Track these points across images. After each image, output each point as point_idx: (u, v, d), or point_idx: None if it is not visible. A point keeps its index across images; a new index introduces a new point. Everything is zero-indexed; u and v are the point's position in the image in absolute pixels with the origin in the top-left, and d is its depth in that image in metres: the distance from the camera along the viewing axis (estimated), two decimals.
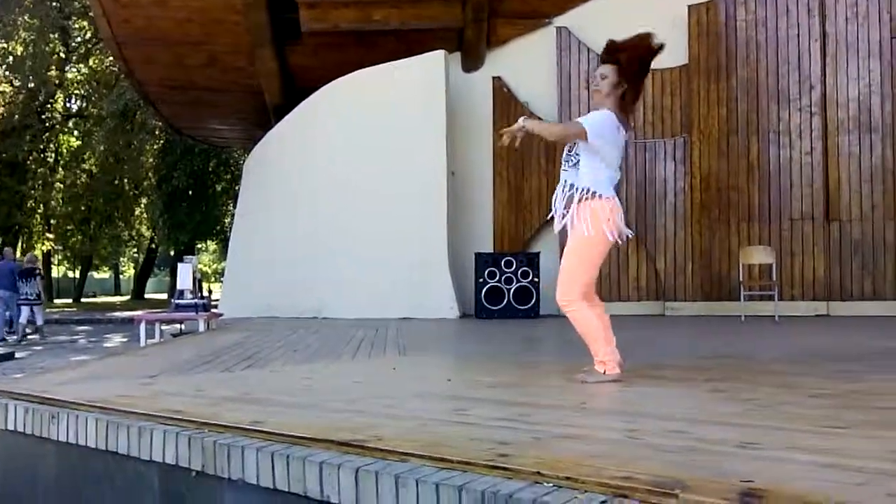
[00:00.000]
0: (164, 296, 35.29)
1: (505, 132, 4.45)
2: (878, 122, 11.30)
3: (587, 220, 4.26)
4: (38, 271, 15.73)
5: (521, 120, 4.40)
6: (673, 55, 11.88)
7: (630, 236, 4.53)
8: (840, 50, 11.47)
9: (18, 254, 23.84)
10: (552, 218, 4.52)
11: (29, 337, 14.85)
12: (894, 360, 5.54)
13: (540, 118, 12.26)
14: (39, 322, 15.11)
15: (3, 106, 28.99)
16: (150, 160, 31.02)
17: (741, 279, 10.71)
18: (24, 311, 14.85)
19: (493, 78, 12.62)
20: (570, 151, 4.44)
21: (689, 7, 11.81)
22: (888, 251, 11.15)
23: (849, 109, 11.40)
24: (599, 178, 4.30)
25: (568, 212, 4.36)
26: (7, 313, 15.13)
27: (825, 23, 11.52)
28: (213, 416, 3.29)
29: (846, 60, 11.44)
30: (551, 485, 2.20)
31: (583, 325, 4.37)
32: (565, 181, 4.39)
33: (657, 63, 12.07)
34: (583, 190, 4.29)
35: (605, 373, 4.32)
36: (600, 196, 4.28)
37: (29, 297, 14.92)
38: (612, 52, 4.48)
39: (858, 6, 11.44)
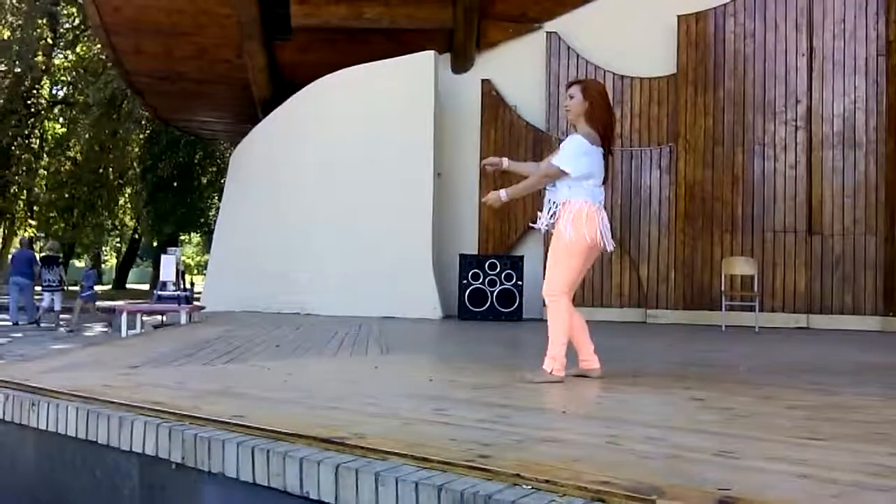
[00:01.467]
0: (146, 286, 35.09)
1: (486, 163, 4.88)
2: (863, 138, 11.39)
3: (567, 223, 4.54)
4: (59, 259, 16.00)
5: (503, 162, 4.76)
6: (661, 64, 11.96)
7: (611, 248, 4.70)
8: (826, 66, 11.55)
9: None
10: (535, 222, 4.82)
11: (42, 324, 14.78)
12: (871, 374, 5.59)
13: (527, 122, 12.34)
14: (57, 307, 15.19)
15: None
16: (136, 150, 30.78)
17: (723, 289, 10.78)
18: (47, 297, 15.18)
19: (483, 80, 12.64)
20: None
21: (679, 17, 11.86)
22: (868, 266, 11.24)
23: (833, 125, 11.49)
24: (576, 189, 4.57)
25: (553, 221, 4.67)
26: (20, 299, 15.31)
27: (812, 38, 11.60)
28: (194, 409, 3.29)
29: (832, 76, 11.52)
30: (530, 487, 2.22)
31: (555, 318, 4.58)
32: (549, 200, 4.69)
33: (646, 72, 12.17)
34: (563, 202, 4.60)
35: (551, 372, 4.52)
36: (578, 202, 4.55)
37: (51, 283, 15.19)
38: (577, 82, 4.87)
39: (846, 23, 11.53)
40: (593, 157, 4.57)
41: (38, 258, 15.56)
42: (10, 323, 14.58)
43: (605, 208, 4.72)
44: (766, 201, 11.55)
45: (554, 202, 4.65)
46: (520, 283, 11.37)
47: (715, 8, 11.83)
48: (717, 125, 11.72)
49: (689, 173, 11.73)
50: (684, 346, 8.23)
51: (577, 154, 4.53)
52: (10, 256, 15.84)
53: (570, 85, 4.82)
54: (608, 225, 4.70)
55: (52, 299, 15.24)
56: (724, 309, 10.53)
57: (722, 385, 4.63)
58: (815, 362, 6.59)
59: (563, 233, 4.53)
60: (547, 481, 2.22)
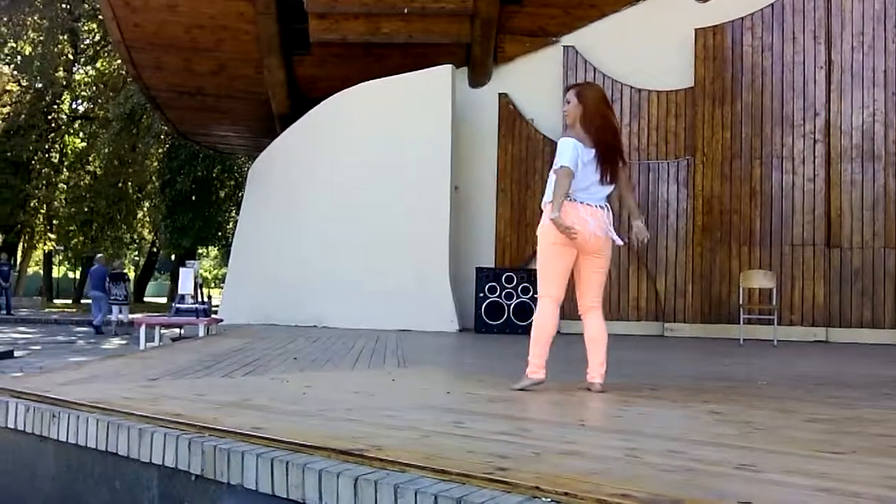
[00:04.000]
0: (164, 300, 35.25)
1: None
2: (881, 150, 11.33)
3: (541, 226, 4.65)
4: (126, 276, 17.79)
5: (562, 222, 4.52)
6: (678, 78, 11.95)
7: (618, 243, 4.70)
8: (845, 78, 11.51)
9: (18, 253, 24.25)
10: None
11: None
12: (891, 388, 5.55)
13: (544, 136, 12.36)
14: (125, 319, 16.59)
15: (10, 105, 29.08)
16: (155, 164, 31.03)
17: (741, 302, 10.73)
18: (115, 309, 16.71)
19: (500, 94, 12.69)
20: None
21: (696, 30, 11.85)
22: (888, 280, 11.16)
23: (852, 137, 11.44)
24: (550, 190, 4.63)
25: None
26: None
27: (831, 50, 11.57)
28: (214, 421, 3.30)
29: (851, 89, 11.48)
30: (549, 499, 2.21)
31: (534, 321, 4.80)
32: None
33: (663, 85, 12.10)
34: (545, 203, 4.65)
35: (527, 376, 4.67)
36: (550, 202, 4.57)
37: (118, 297, 16.73)
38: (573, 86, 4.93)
39: (864, 35, 11.49)
40: (579, 153, 4.56)
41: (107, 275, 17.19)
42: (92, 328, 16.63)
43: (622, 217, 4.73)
44: (784, 214, 11.50)
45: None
46: (536, 296, 11.33)
47: (732, 21, 11.82)
48: (735, 138, 11.70)
49: (707, 186, 11.71)
50: (702, 359, 8.20)
51: (561, 155, 4.58)
52: (88, 272, 19.27)
53: (567, 90, 4.89)
54: (605, 222, 4.62)
55: (120, 311, 16.71)
56: (741, 322, 10.47)
57: (741, 398, 4.61)
58: (833, 376, 6.55)
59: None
60: (566, 494, 2.20)
